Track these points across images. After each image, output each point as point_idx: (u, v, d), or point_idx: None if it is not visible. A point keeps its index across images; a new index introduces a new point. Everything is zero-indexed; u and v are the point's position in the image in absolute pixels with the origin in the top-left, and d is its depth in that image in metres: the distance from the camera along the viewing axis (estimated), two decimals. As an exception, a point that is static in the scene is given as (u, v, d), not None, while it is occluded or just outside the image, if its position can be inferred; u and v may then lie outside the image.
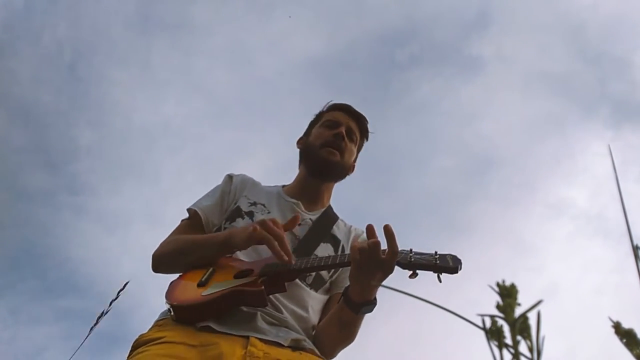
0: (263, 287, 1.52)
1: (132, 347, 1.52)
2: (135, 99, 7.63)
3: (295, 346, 1.53)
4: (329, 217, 1.93)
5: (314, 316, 1.70)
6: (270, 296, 1.59)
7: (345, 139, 1.94)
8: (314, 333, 1.68)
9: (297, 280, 1.68)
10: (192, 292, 1.56)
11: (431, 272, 1.42)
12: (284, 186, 2.03)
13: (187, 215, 1.88)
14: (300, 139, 2.10)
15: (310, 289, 1.72)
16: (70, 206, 7.34)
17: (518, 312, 0.65)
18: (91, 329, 2.11)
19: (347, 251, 1.83)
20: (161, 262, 1.76)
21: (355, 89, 7.49)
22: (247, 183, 1.96)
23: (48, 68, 7.17)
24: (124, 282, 2.24)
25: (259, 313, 1.56)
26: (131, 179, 7.66)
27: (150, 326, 1.61)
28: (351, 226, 1.97)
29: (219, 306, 1.53)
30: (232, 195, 1.90)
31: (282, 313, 1.61)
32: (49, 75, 7.17)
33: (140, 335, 1.55)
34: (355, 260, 1.45)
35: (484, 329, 0.67)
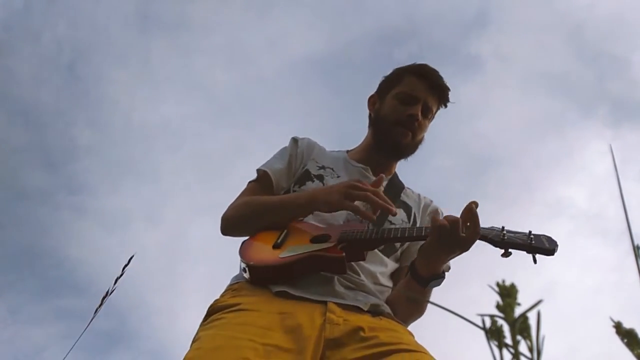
0: (344, 254, 1.48)
1: (208, 312, 1.49)
2: (134, 98, 7.63)
3: (375, 311, 1.51)
4: (398, 184, 1.90)
5: (386, 282, 1.67)
6: None
7: (420, 118, 1.85)
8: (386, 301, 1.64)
9: None
10: (268, 253, 1.53)
11: (525, 252, 1.39)
12: (348, 151, 1.98)
13: (254, 177, 1.85)
14: (373, 97, 2.00)
15: (383, 255, 1.70)
16: (69, 205, 7.34)
17: (518, 312, 0.65)
18: (96, 310, 2.09)
19: (419, 218, 1.81)
20: (234, 224, 1.73)
21: (354, 88, 7.48)
22: (313, 147, 1.92)
23: (47, 67, 7.16)
24: (129, 257, 2.20)
25: (335, 277, 1.53)
26: (130, 178, 7.66)
27: (223, 292, 1.58)
28: (419, 194, 1.94)
29: (297, 270, 1.50)
30: (300, 159, 1.86)
31: (359, 276, 1.58)
32: (48, 74, 7.17)
33: (216, 300, 1.52)
34: (434, 236, 1.43)
35: (484, 329, 0.66)
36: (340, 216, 1.64)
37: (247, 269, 1.52)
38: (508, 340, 0.64)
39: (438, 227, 1.42)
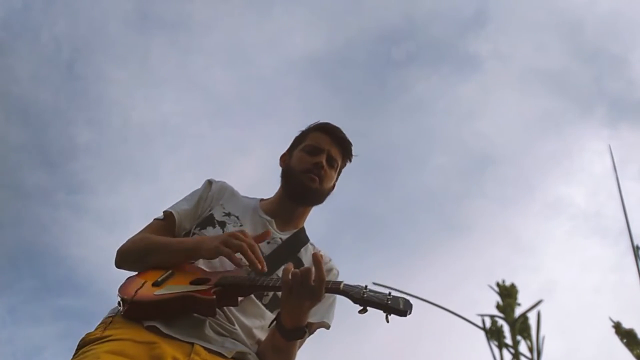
0: (214, 297, 1.53)
1: (78, 346, 1.51)
2: (134, 97, 7.63)
3: (239, 358, 1.55)
4: (299, 240, 1.95)
5: (263, 336, 1.70)
6: (225, 308, 1.61)
7: (325, 167, 1.95)
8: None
9: (254, 298, 1.69)
10: (145, 290, 1.57)
11: (381, 311, 1.44)
12: (262, 200, 2.05)
13: (160, 215, 1.88)
14: (283, 155, 2.11)
15: (266, 309, 1.73)
16: (68, 205, 7.34)
17: (518, 312, 0.65)
18: None
19: None
20: (126, 258, 1.77)
21: (353, 87, 7.49)
22: (225, 192, 1.97)
23: (46, 66, 7.16)
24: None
25: (208, 321, 1.57)
26: (129, 177, 7.67)
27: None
28: (320, 251, 1.95)
29: (169, 308, 1.54)
30: (208, 202, 1.91)
31: (233, 325, 1.62)
32: (47, 73, 7.17)
33: (87, 334, 1.54)
34: (286, 285, 1.48)
35: (484, 329, 0.67)
36: (230, 264, 1.67)
37: (121, 302, 1.57)
38: (508, 340, 0.64)
39: (289, 274, 1.47)
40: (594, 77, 6.96)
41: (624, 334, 0.62)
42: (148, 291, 1.56)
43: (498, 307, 0.68)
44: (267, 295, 1.72)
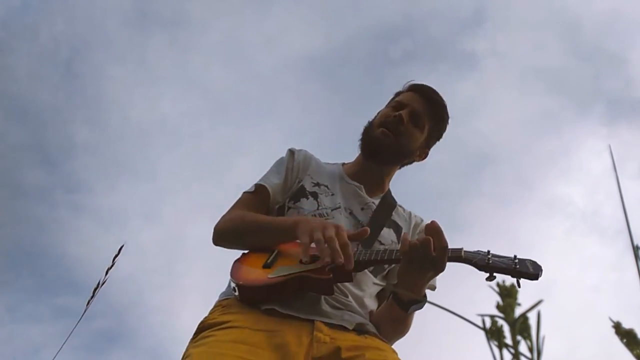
0: (332, 276, 1.49)
1: (197, 329, 1.51)
2: (132, 95, 7.62)
3: (360, 330, 1.53)
4: (390, 203, 1.90)
5: (372, 303, 1.69)
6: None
7: (405, 122, 1.83)
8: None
9: None
10: (258, 273, 1.55)
11: (509, 277, 1.40)
12: (344, 164, 1.98)
13: (250, 188, 1.84)
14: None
15: (372, 274, 1.71)
16: (66, 203, 7.33)
17: (518, 312, 0.65)
18: (88, 302, 2.09)
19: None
20: (224, 237, 1.74)
21: (351, 86, 7.49)
22: (310, 161, 1.91)
23: (44, 65, 7.14)
24: (120, 246, 2.19)
25: (323, 297, 1.55)
26: (128, 176, 7.65)
27: (210, 308, 1.60)
28: (410, 212, 1.94)
29: (285, 290, 1.52)
30: (296, 173, 1.86)
31: (347, 297, 1.60)
32: (45, 72, 7.15)
33: (205, 317, 1.54)
34: (406, 257, 1.44)
35: (484, 329, 0.67)
36: None
37: (236, 288, 1.55)
38: (508, 340, 0.64)
39: (408, 248, 1.43)
40: (592, 76, 6.96)
41: (624, 334, 0.62)
42: (261, 275, 1.54)
43: (498, 307, 0.68)
44: None
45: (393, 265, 1.77)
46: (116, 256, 2.18)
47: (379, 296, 1.76)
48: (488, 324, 0.68)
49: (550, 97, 7.01)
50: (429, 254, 1.40)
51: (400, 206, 1.93)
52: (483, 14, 7.36)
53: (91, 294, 2.11)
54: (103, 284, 2.14)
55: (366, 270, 1.67)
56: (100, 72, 7.35)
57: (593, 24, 6.98)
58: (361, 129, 1.96)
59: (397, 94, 1.99)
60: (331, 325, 1.49)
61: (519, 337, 0.65)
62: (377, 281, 1.73)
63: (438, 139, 2.00)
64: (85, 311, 2.07)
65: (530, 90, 7.09)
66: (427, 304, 1.56)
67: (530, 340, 0.64)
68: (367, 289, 1.67)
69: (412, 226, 1.89)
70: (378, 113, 1.98)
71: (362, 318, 1.58)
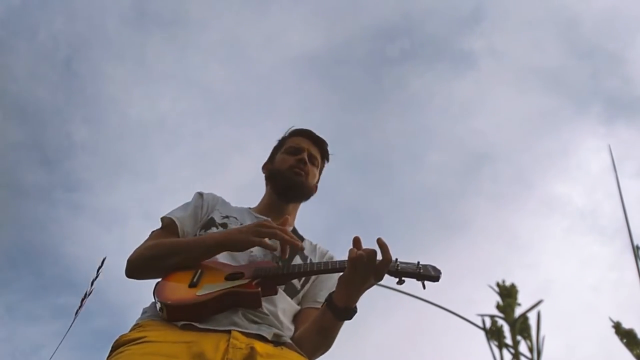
0: (260, 289, 1.58)
1: (112, 347, 1.51)
2: (131, 94, 7.61)
3: (277, 341, 1.57)
4: (298, 236, 2.02)
5: (287, 320, 1.73)
6: None
7: (308, 163, 2.07)
8: (290, 339, 1.70)
9: None
10: (184, 292, 1.58)
11: (415, 280, 1.56)
12: (250, 207, 2.11)
13: (158, 226, 1.89)
14: (265, 164, 2.21)
15: (285, 294, 1.76)
16: (66, 203, 7.32)
17: (518, 312, 0.65)
18: (76, 312, 2.12)
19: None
20: (141, 266, 1.75)
21: (350, 85, 7.48)
22: (217, 200, 2.03)
23: (43, 64, 7.13)
24: (101, 259, 2.25)
25: (240, 311, 1.58)
26: (127, 175, 7.64)
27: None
28: (317, 244, 2.05)
29: (214, 306, 1.55)
30: (205, 209, 1.96)
31: (263, 312, 1.63)
32: (44, 71, 7.14)
33: (121, 335, 1.54)
34: (353, 266, 1.55)
35: (484, 329, 0.67)
36: (242, 256, 1.75)
37: (163, 308, 1.55)
38: (508, 340, 0.64)
39: (356, 257, 1.54)
40: (590, 75, 6.96)
41: (624, 334, 0.62)
42: (188, 293, 1.57)
43: (498, 307, 0.69)
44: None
45: (306, 288, 1.86)
46: (99, 268, 2.23)
47: (295, 319, 1.80)
48: (488, 324, 0.68)
49: (548, 96, 7.01)
50: (373, 263, 1.53)
51: (307, 239, 2.05)
52: (481, 12, 7.35)
53: (79, 304, 2.15)
54: (89, 294, 2.19)
55: (280, 290, 1.73)
56: (100, 71, 7.35)
57: (591, 22, 6.98)
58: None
59: (283, 140, 2.19)
60: (248, 335, 1.53)
61: (519, 337, 0.65)
62: (293, 302, 1.78)
63: (322, 173, 2.23)
64: (74, 321, 2.10)
65: (529, 88, 7.09)
66: (427, 304, 1.58)
67: (530, 340, 0.64)
68: (280, 306, 1.71)
69: (318, 255, 1.99)
70: (271, 160, 2.17)
71: (279, 330, 1.62)
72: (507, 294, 0.68)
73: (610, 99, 6.74)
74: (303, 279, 1.84)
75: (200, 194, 2.03)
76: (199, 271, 1.65)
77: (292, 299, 1.78)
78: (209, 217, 1.91)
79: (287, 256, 1.64)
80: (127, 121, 7.58)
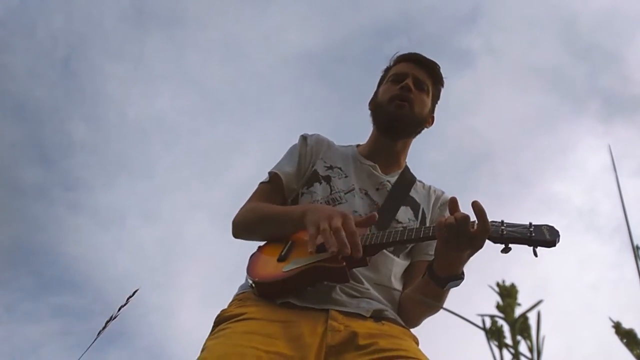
0: (345, 263, 1.47)
1: (215, 322, 1.53)
2: (130, 93, 7.61)
3: (378, 316, 1.52)
4: (407, 179, 1.88)
5: (396, 283, 1.67)
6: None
7: (413, 89, 1.86)
8: (398, 301, 1.65)
9: None
10: (272, 267, 1.56)
11: (526, 246, 1.36)
12: (358, 145, 1.99)
13: (265, 178, 1.86)
14: (371, 100, 2.02)
15: (394, 255, 1.69)
16: (64, 201, 7.32)
17: (518, 312, 0.65)
18: (99, 333, 2.12)
19: (428, 215, 1.80)
20: (242, 229, 1.76)
21: (349, 83, 7.48)
22: (322, 144, 1.92)
23: (42, 63, 7.13)
24: (134, 289, 2.24)
25: (337, 286, 1.54)
26: (125, 174, 7.64)
27: (229, 301, 1.62)
28: (430, 187, 1.93)
29: (300, 282, 1.51)
30: (309, 158, 1.87)
31: (362, 284, 1.58)
32: (43, 69, 7.13)
33: (222, 310, 1.55)
34: (442, 236, 1.41)
35: (484, 329, 0.67)
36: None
37: (253, 285, 1.55)
38: (508, 340, 0.64)
39: (444, 226, 1.39)
40: (588, 73, 6.97)
41: (624, 334, 0.62)
42: (276, 269, 1.54)
43: (498, 307, 0.68)
44: None
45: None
46: (130, 297, 2.21)
47: (405, 274, 1.74)
48: (488, 324, 0.68)
49: (546, 94, 7.01)
50: (466, 231, 1.37)
51: (420, 181, 1.92)
52: (478, 10, 7.36)
53: (103, 325, 2.14)
54: (114, 318, 2.18)
55: (385, 251, 1.65)
56: (98, 69, 7.34)
57: (589, 20, 6.99)
58: (364, 115, 2.00)
59: (388, 70, 2.00)
60: (347, 314, 1.48)
61: (519, 337, 0.65)
62: (400, 260, 1.71)
63: (438, 100, 2.01)
64: (94, 340, 2.10)
65: (527, 87, 7.10)
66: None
67: (530, 340, 0.64)
68: (386, 271, 1.65)
69: (432, 201, 1.87)
70: (376, 94, 1.98)
71: (380, 304, 1.56)
72: (507, 294, 0.68)
73: (608, 98, 6.75)
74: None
75: (305, 138, 1.93)
76: (290, 243, 1.62)
77: (399, 256, 1.70)
78: (313, 168, 1.83)
79: (359, 255, 1.43)
80: (125, 120, 7.58)
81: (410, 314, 1.60)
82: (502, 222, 1.39)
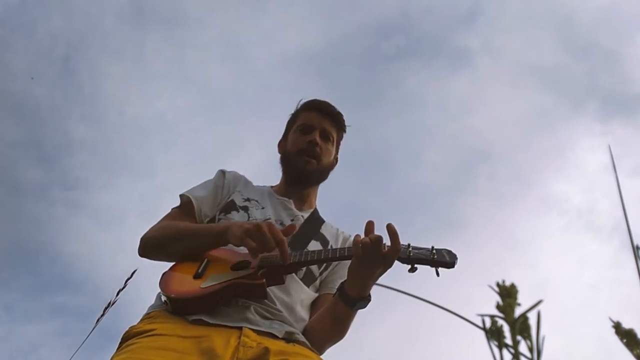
0: (264, 281, 1.52)
1: (122, 339, 1.50)
2: (129, 92, 7.60)
3: (289, 338, 1.54)
4: (318, 218, 1.97)
5: (303, 311, 1.70)
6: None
7: (320, 143, 1.96)
8: (303, 329, 1.68)
9: (292, 274, 1.68)
10: (189, 284, 1.55)
11: (429, 267, 1.47)
12: (272, 186, 2.06)
13: (178, 203, 1.87)
14: (280, 142, 2.12)
15: (303, 283, 1.73)
16: (63, 201, 7.32)
17: (518, 312, 0.65)
18: (98, 320, 2.10)
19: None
20: (152, 246, 1.74)
21: (348, 82, 7.48)
22: (239, 180, 1.97)
23: (41, 62, 7.12)
24: (132, 270, 2.22)
25: (252, 306, 1.56)
26: (125, 173, 7.64)
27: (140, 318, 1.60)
28: (338, 228, 2.00)
29: (219, 298, 1.52)
30: (226, 190, 1.91)
31: (275, 305, 1.61)
32: (42, 69, 7.13)
33: (130, 327, 1.52)
34: (357, 254, 1.48)
35: (484, 329, 0.67)
36: None
37: (168, 301, 1.54)
38: (508, 340, 0.64)
39: (360, 245, 1.48)
40: (587, 72, 6.97)
41: (624, 334, 0.62)
42: (193, 285, 1.54)
43: (498, 307, 0.69)
44: (301, 270, 1.72)
45: (325, 275, 1.82)
46: (128, 279, 2.21)
47: (312, 307, 1.77)
48: (488, 324, 0.68)
49: (545, 94, 7.02)
50: (379, 251, 1.46)
51: (328, 222, 1.99)
52: (477, 9, 7.36)
53: (101, 313, 2.13)
54: (113, 303, 2.17)
55: (297, 279, 1.70)
56: (97, 69, 7.33)
57: (588, 20, 6.99)
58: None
59: (295, 116, 2.08)
60: (260, 332, 1.50)
61: (519, 337, 0.65)
62: (309, 290, 1.75)
63: (340, 143, 2.12)
64: (94, 328, 2.09)
65: (525, 86, 7.10)
66: (427, 304, 1.56)
67: (530, 340, 0.64)
68: (297, 296, 1.68)
69: (340, 241, 1.94)
70: (285, 139, 2.07)
71: (291, 327, 1.59)
72: (507, 294, 0.68)
73: (607, 97, 6.75)
74: (323, 265, 1.78)
75: (223, 173, 1.98)
76: (205, 261, 1.62)
77: (309, 286, 1.74)
78: (230, 199, 1.87)
79: (287, 262, 1.53)
80: (124, 119, 7.58)
81: (315, 341, 1.64)
82: (409, 245, 1.51)
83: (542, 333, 0.65)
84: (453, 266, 1.47)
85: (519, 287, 0.68)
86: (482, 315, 0.68)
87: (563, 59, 6.96)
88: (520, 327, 0.66)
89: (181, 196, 1.87)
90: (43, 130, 7.25)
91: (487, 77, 7.23)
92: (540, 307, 0.66)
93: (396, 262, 1.50)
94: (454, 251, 1.51)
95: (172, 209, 1.86)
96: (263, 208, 1.86)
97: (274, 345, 1.46)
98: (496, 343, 0.66)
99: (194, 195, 1.84)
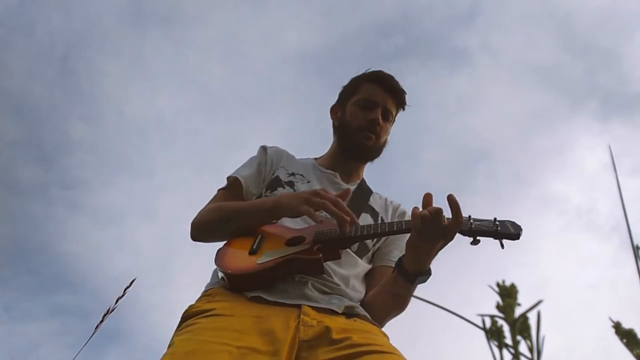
0: (321, 256, 1.50)
1: (182, 318, 1.50)
2: (128, 91, 7.60)
3: (349, 313, 1.52)
4: (366, 189, 1.94)
5: (359, 284, 1.69)
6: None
7: (381, 122, 1.91)
8: (363, 303, 1.65)
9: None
10: (245, 260, 1.54)
11: (492, 239, 1.42)
12: (316, 158, 2.03)
13: (224, 184, 1.86)
14: (334, 107, 2.05)
15: (356, 255, 1.71)
16: (63, 200, 7.32)
17: (518, 312, 0.65)
18: (97, 326, 2.10)
19: (387, 222, 1.82)
20: (203, 229, 1.74)
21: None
22: (282, 154, 1.95)
23: (40, 61, 7.12)
24: (131, 279, 2.22)
25: (309, 281, 1.54)
26: (124, 172, 7.64)
27: (197, 297, 1.60)
28: (386, 198, 1.98)
29: (275, 274, 1.51)
30: (269, 166, 1.89)
31: (332, 279, 1.59)
32: (41, 68, 7.13)
33: (190, 306, 1.53)
34: (416, 227, 1.44)
35: (484, 329, 0.67)
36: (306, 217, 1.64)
37: (225, 277, 1.54)
38: (508, 340, 0.64)
39: (419, 217, 1.43)
40: (586, 71, 6.97)
41: (624, 334, 0.62)
42: (249, 261, 1.53)
43: (498, 307, 0.69)
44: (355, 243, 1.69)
45: (377, 246, 1.80)
46: (127, 287, 2.20)
47: (366, 279, 1.75)
48: (488, 324, 0.68)
49: (544, 93, 7.01)
50: (439, 224, 1.42)
51: (377, 193, 1.97)
52: (476, 9, 7.35)
53: (100, 319, 2.13)
54: (112, 311, 2.16)
55: (350, 252, 1.68)
56: (96, 68, 7.33)
57: (587, 19, 6.99)
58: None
59: (357, 85, 2.00)
60: (319, 309, 1.48)
61: (519, 337, 0.65)
62: (363, 262, 1.73)
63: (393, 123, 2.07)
64: (92, 334, 2.09)
65: (524, 85, 7.09)
66: (426, 304, 1.56)
67: (530, 340, 0.65)
68: (352, 269, 1.67)
69: (390, 211, 1.92)
70: (343, 108, 2.00)
71: (350, 301, 1.57)
72: (507, 294, 0.68)
73: (606, 96, 6.75)
74: None
75: (265, 149, 1.95)
76: (259, 237, 1.62)
77: (362, 258, 1.73)
78: (274, 175, 1.86)
79: (346, 230, 1.50)
80: (123, 118, 7.58)
81: (375, 315, 1.62)
82: (470, 217, 1.46)
83: (542, 333, 0.65)
84: (518, 237, 1.42)
85: (519, 287, 0.68)
86: (482, 315, 0.68)
87: (562, 59, 6.96)
88: (520, 327, 0.66)
89: (228, 178, 1.85)
90: (42, 129, 7.26)
91: (486, 77, 7.23)
92: (540, 307, 0.66)
93: (457, 234, 1.45)
94: (518, 222, 1.46)
95: (218, 190, 1.85)
96: (309, 182, 1.84)
97: (334, 323, 1.43)
98: (496, 343, 0.66)
99: (241, 175, 1.83)
